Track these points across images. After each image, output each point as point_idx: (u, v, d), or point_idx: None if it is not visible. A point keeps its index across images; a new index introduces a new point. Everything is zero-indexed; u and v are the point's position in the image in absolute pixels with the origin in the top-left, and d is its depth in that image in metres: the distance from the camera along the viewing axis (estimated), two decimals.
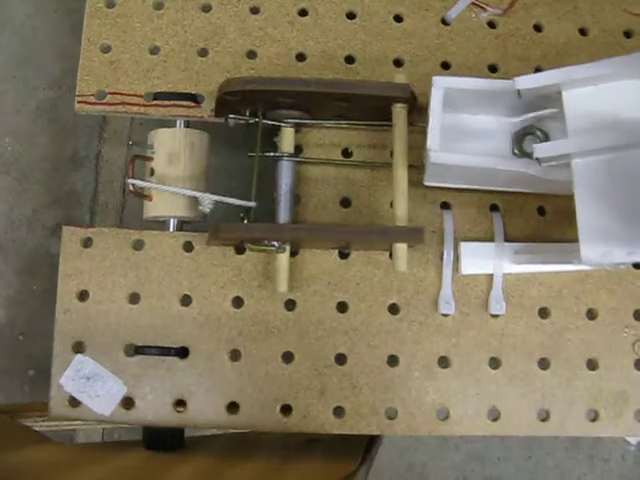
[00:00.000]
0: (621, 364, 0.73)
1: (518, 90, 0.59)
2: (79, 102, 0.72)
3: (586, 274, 0.73)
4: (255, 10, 0.75)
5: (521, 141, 0.66)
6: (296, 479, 0.62)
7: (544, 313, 0.73)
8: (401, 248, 0.64)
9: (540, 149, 0.58)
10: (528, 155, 0.64)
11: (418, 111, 0.70)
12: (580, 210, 0.58)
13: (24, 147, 1.14)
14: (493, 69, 0.76)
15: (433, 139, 0.62)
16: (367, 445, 0.80)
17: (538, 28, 0.77)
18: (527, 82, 0.59)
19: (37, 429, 0.75)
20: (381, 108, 0.67)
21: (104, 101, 0.72)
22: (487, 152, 0.67)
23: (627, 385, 0.73)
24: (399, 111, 0.66)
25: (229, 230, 0.65)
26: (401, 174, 0.65)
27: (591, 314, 0.73)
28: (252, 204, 0.66)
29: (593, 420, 0.72)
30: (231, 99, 0.67)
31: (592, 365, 0.73)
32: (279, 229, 0.66)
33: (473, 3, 0.76)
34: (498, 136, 0.67)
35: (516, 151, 0.66)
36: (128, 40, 0.74)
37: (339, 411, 0.70)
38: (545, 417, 0.72)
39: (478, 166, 0.63)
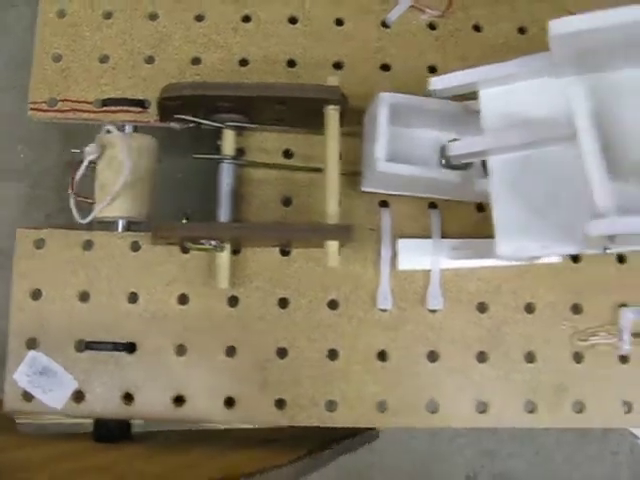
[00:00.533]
0: (559, 357, 0.74)
1: (434, 90, 0.61)
2: (32, 109, 0.76)
3: (525, 269, 0.75)
4: (200, 18, 0.78)
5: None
6: (209, 470, 0.64)
7: (482, 307, 0.75)
8: (332, 245, 0.67)
9: (452, 147, 0.60)
10: (452, 166, 0.66)
11: (357, 113, 0.72)
12: (496, 206, 0.60)
13: (37, 154, 1.17)
14: (433, 70, 0.78)
15: (379, 148, 0.64)
16: (329, 444, 0.82)
17: (477, 28, 0.79)
18: (441, 82, 0.61)
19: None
20: (317, 111, 0.69)
21: (55, 108, 0.76)
22: (425, 162, 0.69)
23: (565, 377, 0.74)
24: (330, 113, 0.68)
25: (168, 229, 0.68)
26: (332, 174, 0.68)
27: (529, 308, 0.75)
28: None
29: (531, 412, 0.74)
30: (172, 104, 0.70)
31: (530, 358, 0.74)
32: (217, 228, 0.69)
33: (412, 6, 0.78)
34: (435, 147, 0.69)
35: (443, 161, 0.68)
36: (78, 49, 0.77)
37: (281, 403, 0.73)
38: (483, 409, 0.74)
39: (415, 175, 0.65)
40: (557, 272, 0.75)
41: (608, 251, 0.61)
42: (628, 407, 0.74)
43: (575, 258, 0.76)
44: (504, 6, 0.79)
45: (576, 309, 0.75)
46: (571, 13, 0.51)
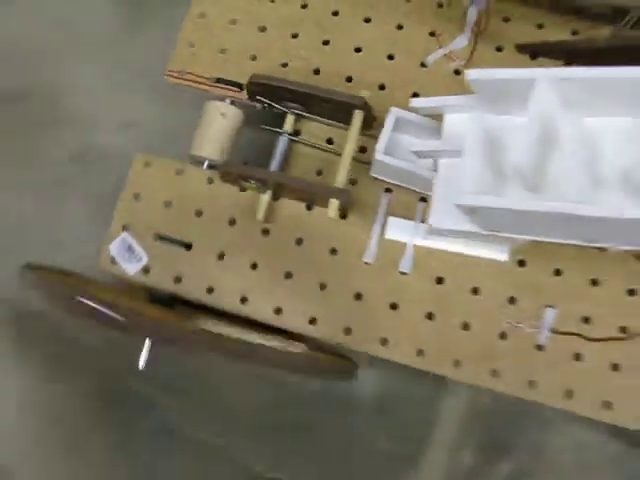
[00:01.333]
0: (488, 332, 0.98)
1: (413, 107, 0.89)
2: (167, 75, 1.11)
3: (478, 261, 1.00)
4: (295, 35, 1.10)
5: None
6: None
7: (439, 280, 1.00)
8: (333, 202, 0.95)
9: (414, 145, 0.87)
10: None
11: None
12: (435, 193, 0.87)
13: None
14: None
15: (380, 143, 0.93)
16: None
17: None
18: (417, 103, 0.88)
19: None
20: (349, 112, 0.99)
21: (183, 77, 1.10)
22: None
23: (489, 350, 0.98)
24: (356, 114, 0.98)
25: (229, 167, 1.00)
26: (346, 157, 0.97)
27: (475, 291, 0.99)
28: None
29: (456, 366, 0.98)
30: (255, 89, 1.02)
31: (465, 327, 0.99)
32: (260, 172, 0.99)
33: (445, 55, 1.06)
34: None
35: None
36: (207, 41, 1.12)
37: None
38: (421, 354, 0.99)
39: (401, 168, 0.93)
40: (503, 269, 0.99)
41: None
42: (532, 385, 0.96)
43: (521, 262, 1.00)
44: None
45: (512, 300, 0.99)
46: None
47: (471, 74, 0.79)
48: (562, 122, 0.77)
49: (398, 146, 0.97)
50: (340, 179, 0.96)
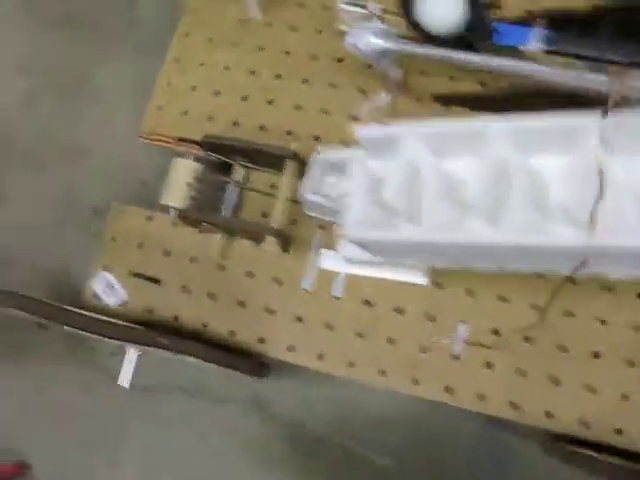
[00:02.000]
0: (410, 347, 1.13)
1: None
2: (140, 136, 1.31)
3: (402, 285, 1.15)
4: (245, 98, 1.30)
5: None
6: None
7: (368, 303, 1.16)
8: (269, 239, 1.13)
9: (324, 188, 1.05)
10: None
11: None
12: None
13: None
14: None
15: (305, 183, 1.11)
16: None
17: None
18: (322, 154, 1.06)
19: None
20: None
21: (152, 137, 1.30)
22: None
23: (412, 360, 1.13)
24: (288, 163, 1.16)
25: (184, 213, 1.19)
26: (282, 200, 1.15)
27: (399, 310, 1.15)
28: None
29: (383, 374, 1.13)
30: (209, 146, 1.21)
31: (391, 341, 1.14)
32: (210, 217, 1.19)
33: (372, 109, 1.24)
34: None
35: None
36: (172, 105, 1.32)
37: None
38: (352, 365, 1.14)
39: (323, 204, 1.10)
40: (423, 291, 1.15)
41: None
42: (450, 392, 1.11)
43: (438, 285, 1.15)
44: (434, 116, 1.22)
45: (431, 318, 1.14)
46: None
47: (358, 132, 0.96)
48: (425, 165, 0.93)
49: (326, 186, 1.13)
50: (276, 219, 1.14)
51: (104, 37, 1.69)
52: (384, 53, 1.12)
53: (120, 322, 1.11)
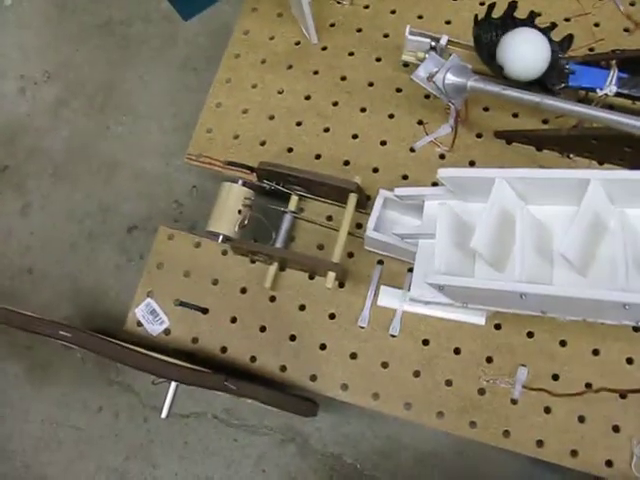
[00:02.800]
0: (468, 388, 1.11)
1: (397, 196, 1.03)
2: (187, 158, 1.26)
3: (459, 325, 1.13)
4: (299, 124, 1.26)
5: None
6: None
7: (425, 342, 1.14)
8: (330, 274, 1.10)
9: (396, 227, 1.02)
10: None
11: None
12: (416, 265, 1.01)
13: None
14: (435, 184, 1.19)
15: (370, 222, 1.08)
16: None
17: (472, 164, 1.20)
18: (399, 192, 1.03)
19: None
20: (346, 194, 1.14)
21: (200, 160, 1.25)
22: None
23: (468, 403, 1.11)
24: (350, 197, 1.12)
25: (240, 243, 1.15)
26: (342, 233, 1.11)
27: (457, 351, 1.13)
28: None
29: (440, 416, 1.11)
30: (264, 173, 1.17)
31: (448, 383, 1.12)
32: (266, 248, 1.14)
33: (431, 141, 1.21)
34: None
35: None
36: (222, 128, 1.27)
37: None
38: (409, 407, 1.12)
39: (388, 242, 1.08)
40: (482, 332, 1.13)
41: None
42: (507, 434, 1.09)
43: (497, 326, 1.13)
44: (495, 152, 1.20)
45: (489, 359, 1.12)
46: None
47: (441, 173, 0.93)
48: (515, 211, 0.91)
49: (387, 222, 1.11)
50: (336, 253, 1.11)
51: (141, 50, 1.65)
52: (460, 89, 1.09)
53: (182, 363, 1.06)
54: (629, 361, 1.10)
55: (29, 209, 1.56)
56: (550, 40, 1.12)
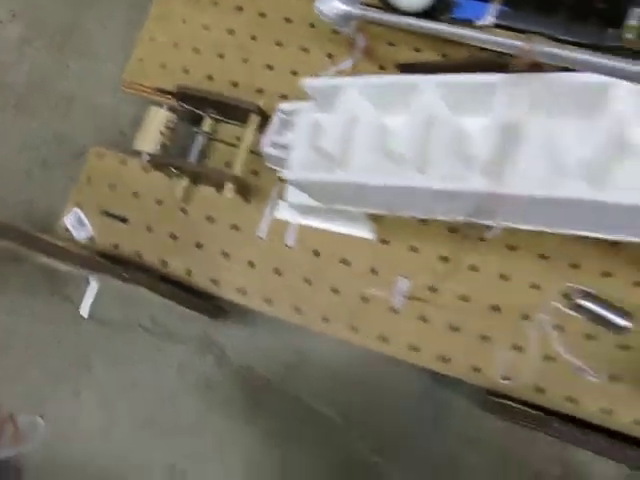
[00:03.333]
0: (352, 294, 1.20)
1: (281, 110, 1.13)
2: (122, 85, 1.39)
3: (350, 238, 1.22)
4: (221, 55, 1.37)
5: None
6: None
7: (317, 253, 1.23)
8: (228, 186, 1.20)
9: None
10: None
11: None
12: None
13: None
14: None
15: (266, 138, 1.18)
16: None
17: None
18: (284, 106, 1.13)
19: None
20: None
21: (133, 86, 1.37)
22: None
23: (355, 306, 1.20)
24: (252, 117, 1.23)
25: (153, 157, 1.26)
26: (243, 149, 1.22)
27: (345, 261, 1.22)
28: None
29: (326, 321, 1.20)
30: (181, 96, 1.29)
31: (335, 291, 1.21)
32: (176, 161, 1.26)
33: (335, 72, 1.30)
34: None
35: None
36: (154, 59, 1.39)
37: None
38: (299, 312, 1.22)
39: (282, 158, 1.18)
40: (369, 245, 1.22)
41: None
42: (384, 339, 1.18)
43: (384, 241, 1.22)
44: None
45: (374, 271, 1.21)
46: None
47: (306, 82, 1.03)
48: (362, 116, 1.01)
49: (282, 139, 1.20)
50: (236, 167, 1.22)
51: None
52: (347, 17, 1.18)
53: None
54: (503, 277, 1.18)
55: None
56: None
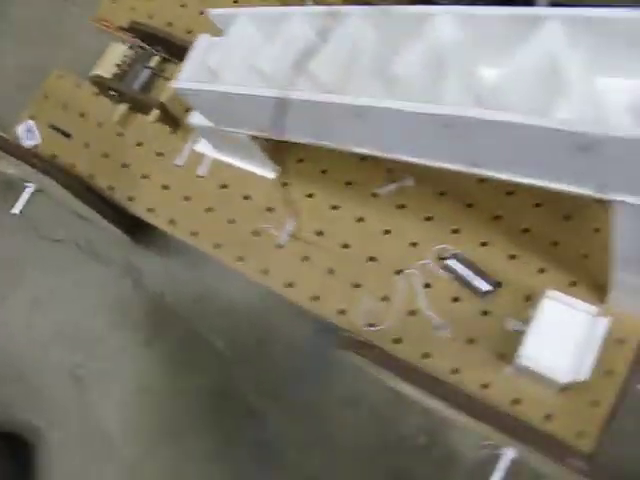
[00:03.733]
0: (247, 228, 1.29)
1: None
2: (91, 19, 1.53)
3: (255, 176, 1.32)
4: (183, 5, 1.50)
5: None
6: None
7: (224, 186, 1.33)
8: (154, 111, 1.32)
9: None
10: None
11: None
12: None
13: None
14: None
15: (183, 72, 1.29)
16: None
17: None
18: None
19: None
20: None
21: (101, 22, 1.52)
22: None
23: (243, 240, 1.29)
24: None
25: (96, 77, 1.39)
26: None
27: (247, 197, 1.31)
28: None
29: (216, 247, 1.29)
30: (135, 33, 1.42)
31: (232, 222, 1.30)
32: (115, 84, 1.39)
33: None
34: None
35: None
36: (123, 4, 1.53)
37: None
38: (195, 235, 1.31)
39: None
40: (270, 185, 1.31)
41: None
42: (266, 272, 1.26)
43: (284, 184, 1.30)
44: None
45: (270, 209, 1.30)
46: None
47: (211, 11, 1.14)
48: (245, 42, 1.11)
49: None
50: (163, 96, 1.33)
51: None
52: None
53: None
54: (386, 232, 1.24)
55: None
56: None
